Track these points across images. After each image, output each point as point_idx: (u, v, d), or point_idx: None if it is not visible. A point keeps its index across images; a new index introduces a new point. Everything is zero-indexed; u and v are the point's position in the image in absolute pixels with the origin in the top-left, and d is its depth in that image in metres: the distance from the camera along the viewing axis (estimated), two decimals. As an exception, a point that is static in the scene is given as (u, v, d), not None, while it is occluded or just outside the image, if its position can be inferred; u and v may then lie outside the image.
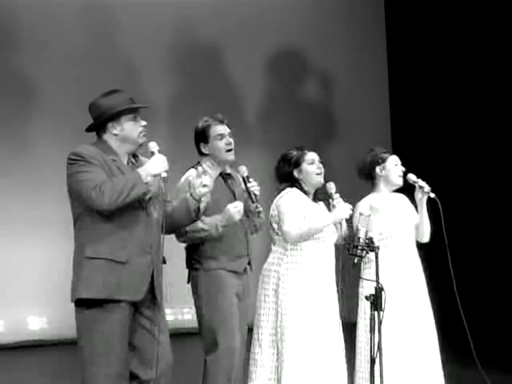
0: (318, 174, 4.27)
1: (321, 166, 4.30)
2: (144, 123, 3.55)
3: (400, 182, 4.55)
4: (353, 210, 4.30)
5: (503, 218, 7.61)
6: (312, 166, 4.27)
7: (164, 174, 3.44)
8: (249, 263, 4.22)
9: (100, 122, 3.51)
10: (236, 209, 3.94)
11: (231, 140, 4.16)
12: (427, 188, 4.48)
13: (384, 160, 4.55)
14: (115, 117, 3.49)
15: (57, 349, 7.09)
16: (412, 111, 8.53)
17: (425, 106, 8.36)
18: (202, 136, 4.16)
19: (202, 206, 3.75)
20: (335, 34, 8.72)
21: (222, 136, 4.14)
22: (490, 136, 7.72)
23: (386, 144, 7.22)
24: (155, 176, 3.43)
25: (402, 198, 4.65)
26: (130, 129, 3.51)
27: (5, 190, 7.45)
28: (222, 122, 4.17)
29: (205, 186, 3.57)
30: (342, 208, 4.18)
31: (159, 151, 3.51)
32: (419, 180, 4.52)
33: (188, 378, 4.28)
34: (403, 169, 4.55)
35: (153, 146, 3.53)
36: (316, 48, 8.66)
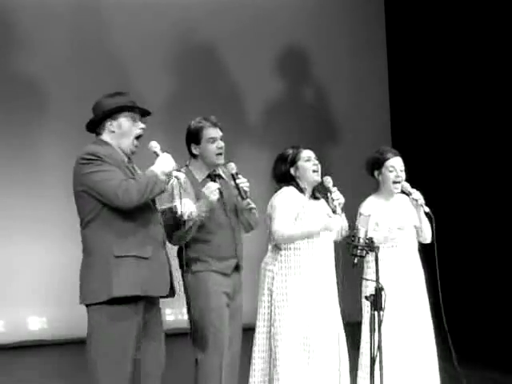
0: (314, 172, 4.27)
1: (317, 163, 4.29)
2: (143, 126, 3.57)
3: (394, 190, 4.50)
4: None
5: (504, 217, 7.61)
6: (308, 163, 4.27)
7: (175, 173, 3.49)
8: (238, 264, 4.18)
9: (98, 119, 3.53)
10: (209, 189, 3.95)
11: (223, 144, 4.14)
12: (421, 201, 4.41)
13: (380, 165, 4.51)
14: (113, 113, 3.51)
15: (57, 349, 7.09)
16: (412, 112, 8.53)
17: (425, 106, 8.36)
18: (193, 137, 4.15)
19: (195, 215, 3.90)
20: (336, 35, 8.72)
21: (214, 139, 4.12)
22: (489, 136, 7.72)
23: (386, 144, 7.22)
24: (167, 174, 3.46)
25: (405, 199, 4.61)
26: (127, 126, 3.53)
27: (6, 190, 7.46)
28: (215, 125, 4.14)
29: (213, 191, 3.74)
30: (334, 219, 4.17)
31: (162, 149, 3.54)
32: (414, 191, 4.45)
33: (187, 378, 4.27)
34: (399, 176, 4.47)
35: (154, 145, 3.55)
36: (316, 49, 8.66)
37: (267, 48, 8.41)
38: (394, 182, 4.48)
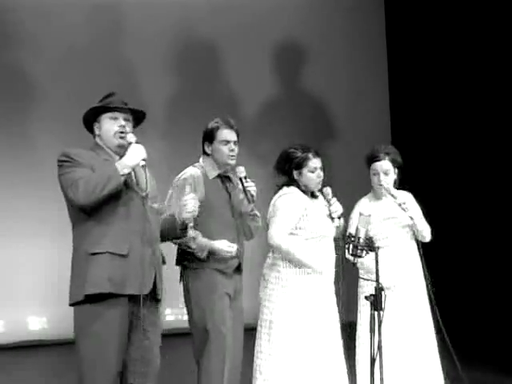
0: (317, 183, 4.25)
1: (321, 174, 4.25)
2: (121, 123, 3.51)
3: (379, 192, 4.50)
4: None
5: (504, 217, 7.61)
6: (312, 175, 4.23)
7: (142, 163, 3.40)
8: (239, 265, 4.18)
9: (87, 124, 3.56)
10: (229, 248, 3.98)
11: (234, 147, 4.15)
12: (404, 205, 4.36)
13: (368, 166, 4.52)
14: (95, 116, 3.52)
15: (57, 349, 7.09)
16: (412, 112, 8.53)
17: (425, 106, 8.36)
18: (208, 136, 4.18)
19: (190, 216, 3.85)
20: (335, 35, 8.72)
21: (227, 142, 4.13)
22: (489, 136, 7.72)
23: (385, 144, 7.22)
24: (133, 166, 3.39)
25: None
26: (107, 128, 3.52)
27: (5, 190, 7.46)
28: (231, 128, 4.16)
29: (190, 212, 3.57)
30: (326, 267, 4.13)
31: (137, 142, 3.45)
32: (398, 195, 4.41)
33: (187, 378, 4.28)
34: (381, 180, 4.45)
35: (130, 137, 3.48)
36: (316, 49, 8.66)
37: (266, 48, 8.42)
38: (378, 186, 4.48)
